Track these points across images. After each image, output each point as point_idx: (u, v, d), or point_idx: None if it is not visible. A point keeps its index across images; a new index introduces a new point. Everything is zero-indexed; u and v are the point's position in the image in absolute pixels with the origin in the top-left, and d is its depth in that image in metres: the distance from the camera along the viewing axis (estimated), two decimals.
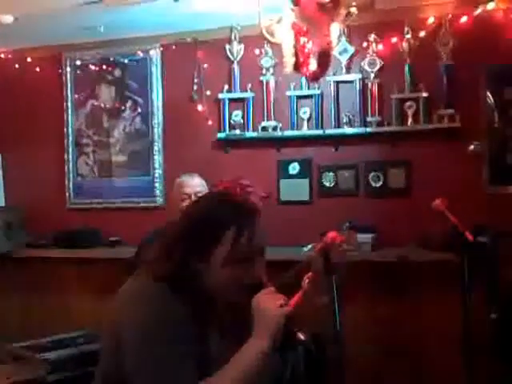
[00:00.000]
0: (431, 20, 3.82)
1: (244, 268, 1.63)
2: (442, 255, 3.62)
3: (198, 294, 1.63)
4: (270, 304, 1.58)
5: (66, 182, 4.78)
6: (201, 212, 1.71)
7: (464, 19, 3.72)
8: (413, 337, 3.84)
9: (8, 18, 3.88)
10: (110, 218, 4.59)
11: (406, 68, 3.92)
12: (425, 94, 3.88)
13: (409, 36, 3.89)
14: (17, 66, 4.58)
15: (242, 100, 4.28)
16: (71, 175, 4.77)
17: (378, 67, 3.99)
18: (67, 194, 4.79)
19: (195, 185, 3.57)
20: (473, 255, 3.19)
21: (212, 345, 1.67)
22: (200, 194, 3.26)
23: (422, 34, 3.83)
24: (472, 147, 3.80)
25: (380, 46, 3.96)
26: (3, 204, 4.90)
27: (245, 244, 1.62)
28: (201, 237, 1.63)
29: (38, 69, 4.57)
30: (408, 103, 3.93)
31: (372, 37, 3.96)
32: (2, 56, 4.58)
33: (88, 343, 3.97)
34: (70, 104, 4.76)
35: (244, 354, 1.57)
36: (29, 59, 4.55)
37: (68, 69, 4.73)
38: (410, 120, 3.92)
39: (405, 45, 3.90)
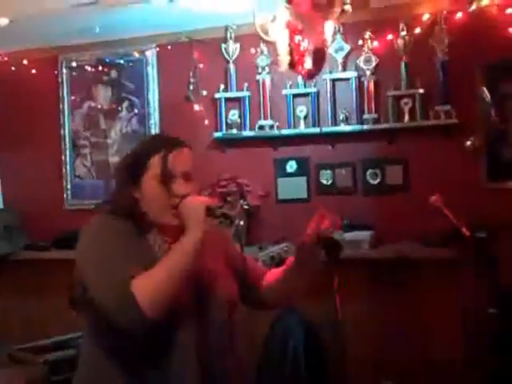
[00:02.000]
0: (426, 17, 3.83)
1: (168, 189, 1.87)
2: (441, 251, 3.64)
3: (139, 218, 1.89)
4: (190, 202, 1.84)
5: (64, 183, 4.79)
6: (132, 149, 2.01)
7: (459, 15, 3.72)
8: (412, 333, 3.84)
9: (3, 21, 3.88)
10: None
11: (402, 65, 3.92)
12: (421, 91, 3.88)
13: (404, 33, 3.89)
14: (13, 68, 4.58)
15: (238, 99, 4.28)
16: (69, 176, 4.77)
17: (373, 64, 3.99)
18: (65, 196, 4.79)
19: None
20: (471, 251, 3.20)
21: (141, 256, 1.83)
22: None
23: (418, 30, 3.83)
24: (469, 143, 3.80)
25: (375, 44, 3.96)
26: (1, 206, 4.90)
27: (168, 168, 1.87)
28: (132, 167, 1.92)
29: (34, 71, 4.57)
30: (404, 100, 3.93)
31: (367, 34, 3.96)
32: None
33: None
34: (66, 105, 4.76)
35: (173, 249, 1.80)
36: (25, 61, 4.55)
37: (64, 70, 4.73)
38: (406, 117, 3.93)
39: (400, 42, 3.90)
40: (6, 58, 4.58)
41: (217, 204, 1.86)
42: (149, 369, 1.82)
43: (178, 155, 1.91)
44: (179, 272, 1.75)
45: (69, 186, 4.79)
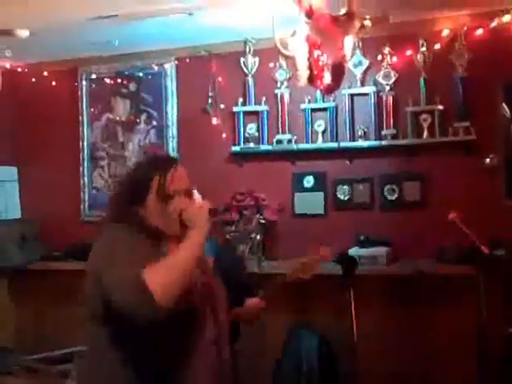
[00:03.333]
0: (446, 32, 3.81)
1: (170, 205, 2.05)
2: (458, 268, 3.60)
3: (151, 231, 2.05)
4: (194, 206, 2.04)
5: (81, 194, 4.81)
6: (131, 173, 2.20)
7: (479, 32, 3.71)
8: (427, 350, 3.80)
9: (24, 33, 3.91)
10: None
11: (421, 81, 3.91)
12: (440, 107, 3.86)
13: (424, 49, 3.88)
14: (33, 79, 4.62)
15: (256, 113, 4.29)
16: (86, 188, 4.79)
17: (392, 80, 3.98)
18: (82, 207, 4.81)
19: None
20: (489, 269, 3.16)
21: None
22: None
23: (437, 46, 3.82)
24: (488, 160, 3.77)
25: (394, 59, 3.95)
26: (19, 216, 4.93)
27: (167, 186, 2.06)
28: (135, 189, 2.09)
29: (54, 82, 4.61)
30: (423, 116, 3.91)
31: (386, 49, 3.96)
32: (19, 70, 4.62)
33: None
34: (85, 117, 4.79)
35: (178, 249, 1.94)
36: (45, 73, 4.58)
37: (84, 82, 4.77)
38: (425, 133, 3.91)
39: (420, 57, 3.89)
40: (26, 70, 4.62)
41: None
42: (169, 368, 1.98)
43: (175, 175, 2.09)
44: (187, 262, 1.90)
45: (86, 198, 4.81)
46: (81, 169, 4.80)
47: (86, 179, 4.80)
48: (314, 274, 2.56)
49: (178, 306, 1.84)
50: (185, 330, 2.00)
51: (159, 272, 1.82)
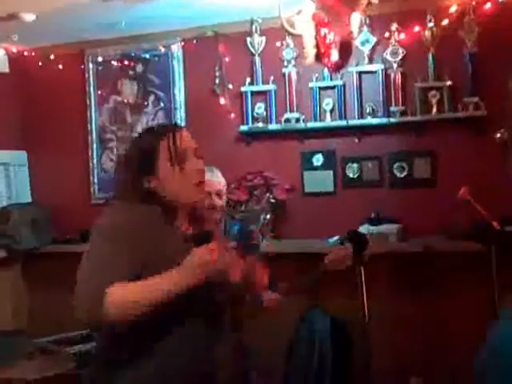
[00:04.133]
0: (454, 8, 3.77)
1: (184, 167, 1.94)
2: (469, 245, 3.59)
3: (163, 204, 1.92)
4: (200, 253, 1.80)
5: (91, 177, 4.82)
6: (135, 142, 2.05)
7: (488, 6, 3.66)
8: (439, 328, 3.81)
9: (30, 16, 3.91)
10: None
11: (430, 57, 3.87)
12: (449, 83, 3.83)
13: (431, 24, 3.84)
14: (40, 63, 4.62)
15: (264, 92, 4.27)
16: (95, 171, 4.81)
17: (400, 57, 3.95)
18: (92, 190, 4.82)
19: (217, 183, 3.19)
20: (500, 245, 3.15)
21: (170, 245, 1.89)
22: (222, 193, 3.18)
23: (445, 22, 3.78)
24: (498, 135, 3.74)
25: (402, 36, 3.92)
26: (29, 201, 4.96)
27: (178, 147, 1.94)
28: (142, 158, 1.95)
29: (60, 66, 4.60)
30: (432, 92, 3.88)
31: (394, 26, 3.92)
32: (26, 54, 4.62)
33: None
34: (93, 100, 4.79)
35: (160, 277, 1.78)
36: (52, 57, 4.58)
37: (90, 65, 4.76)
38: (434, 109, 3.88)
39: (427, 33, 3.85)
40: (33, 54, 4.62)
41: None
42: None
43: (182, 135, 1.99)
44: (158, 300, 1.76)
45: (95, 181, 4.82)
46: (89, 151, 4.82)
47: (94, 162, 4.82)
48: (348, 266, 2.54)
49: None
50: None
51: (125, 295, 1.74)
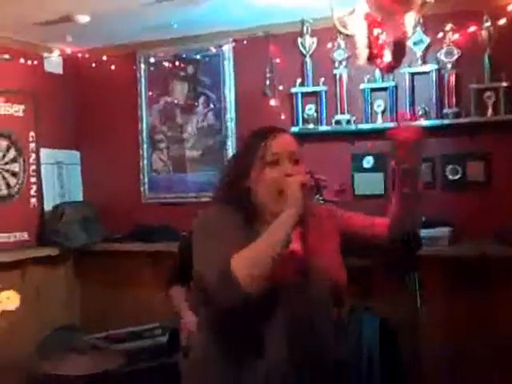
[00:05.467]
0: (511, 7, 3.67)
1: (274, 170, 1.94)
2: None
3: (250, 208, 1.97)
4: (289, 181, 1.88)
5: (141, 177, 4.87)
6: (238, 147, 2.31)
7: None
8: (492, 335, 3.72)
9: (84, 18, 3.97)
10: (183, 212, 4.63)
11: (486, 57, 3.79)
12: (505, 84, 3.74)
13: (488, 24, 3.75)
14: (93, 64, 4.68)
15: (314, 94, 4.25)
16: (146, 170, 4.85)
17: (455, 57, 3.87)
18: (142, 189, 4.87)
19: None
20: None
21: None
22: None
23: (502, 21, 3.69)
24: None
25: (456, 36, 3.84)
26: (81, 199, 5.04)
27: (270, 150, 1.95)
28: (243, 157, 2.03)
29: (113, 67, 4.66)
30: (487, 93, 3.80)
31: (449, 26, 3.84)
32: (79, 55, 4.69)
33: (164, 335, 4.04)
34: (144, 100, 4.84)
35: (272, 224, 1.85)
36: (104, 57, 4.64)
37: (142, 66, 4.81)
38: (489, 111, 3.79)
39: (484, 33, 3.76)
40: (86, 55, 4.69)
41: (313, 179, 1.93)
42: (247, 350, 1.89)
43: (280, 139, 1.99)
44: (275, 245, 1.79)
45: (146, 180, 4.87)
46: (140, 151, 4.86)
47: (145, 162, 4.86)
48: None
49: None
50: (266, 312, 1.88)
51: (246, 258, 1.77)
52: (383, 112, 4.07)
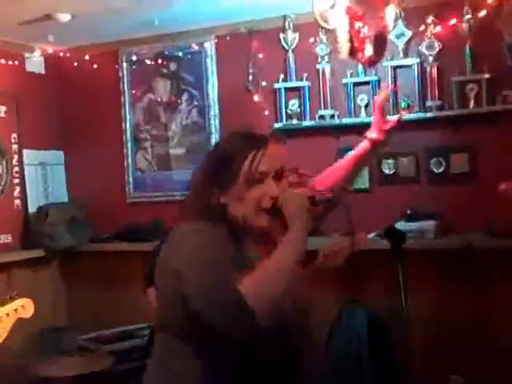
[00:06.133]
0: None
1: (259, 191, 1.78)
2: (510, 242, 3.52)
3: (232, 224, 1.79)
4: (292, 195, 1.77)
5: (126, 176, 4.85)
6: (214, 150, 1.93)
7: None
8: (480, 327, 3.74)
9: (65, 17, 3.95)
10: (169, 210, 4.61)
11: (467, 49, 3.80)
12: (487, 76, 3.75)
13: (469, 16, 3.76)
14: (75, 63, 4.66)
15: (298, 89, 4.24)
16: (130, 170, 4.83)
17: (436, 50, 3.88)
18: (127, 189, 4.85)
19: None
20: None
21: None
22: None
23: (483, 13, 3.70)
24: None
25: (438, 28, 3.84)
26: (66, 200, 5.01)
27: (256, 169, 1.78)
28: (218, 171, 1.81)
29: (95, 66, 4.63)
30: (469, 85, 3.80)
31: (430, 19, 3.85)
32: (61, 54, 4.66)
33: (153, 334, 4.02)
34: (127, 99, 4.81)
35: (282, 242, 1.71)
36: (86, 57, 4.61)
37: (124, 64, 4.78)
38: (471, 103, 3.81)
39: (465, 26, 3.77)
40: (68, 54, 4.66)
41: (317, 192, 1.83)
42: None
43: (270, 154, 1.81)
44: (290, 264, 1.67)
45: (130, 180, 4.85)
46: (124, 150, 4.84)
47: (129, 161, 4.84)
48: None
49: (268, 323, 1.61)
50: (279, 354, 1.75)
51: (257, 283, 1.61)
52: (366, 106, 4.07)
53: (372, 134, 2.37)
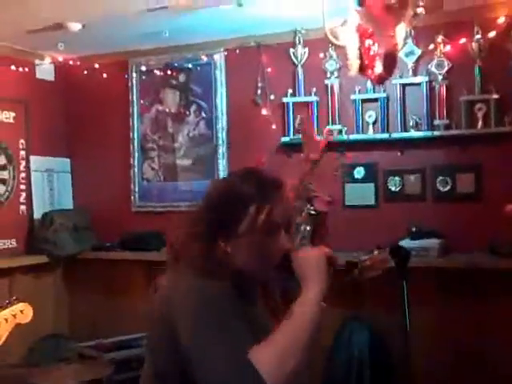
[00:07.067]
0: (502, 19, 3.70)
1: (267, 243, 1.61)
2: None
3: (234, 276, 1.60)
4: (306, 254, 1.60)
5: (132, 185, 4.85)
6: (222, 191, 1.70)
7: None
8: (481, 346, 3.72)
9: (76, 26, 3.97)
10: (174, 221, 4.61)
11: (476, 69, 3.80)
12: (495, 96, 3.75)
13: (478, 36, 3.77)
14: (85, 72, 4.68)
15: (306, 104, 4.25)
16: (136, 179, 4.84)
17: (446, 69, 3.88)
18: (132, 198, 4.85)
19: None
20: None
21: (261, 322, 1.65)
22: None
23: (493, 34, 3.71)
24: None
25: (448, 48, 3.86)
26: (71, 207, 5.02)
27: (266, 219, 1.59)
28: (222, 218, 1.62)
29: (105, 75, 4.65)
30: (478, 105, 3.81)
31: (440, 38, 3.86)
32: (71, 63, 4.69)
33: None
34: (135, 109, 4.83)
35: (293, 310, 1.53)
36: (96, 65, 4.64)
37: (134, 74, 4.81)
38: (479, 123, 3.81)
39: (474, 45, 3.78)
40: (78, 63, 4.69)
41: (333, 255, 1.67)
42: None
43: (283, 203, 1.64)
44: (308, 331, 1.52)
45: (136, 189, 4.85)
46: (131, 160, 4.85)
47: (136, 170, 4.85)
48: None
49: None
50: None
51: (274, 357, 1.45)
52: (374, 123, 4.07)
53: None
